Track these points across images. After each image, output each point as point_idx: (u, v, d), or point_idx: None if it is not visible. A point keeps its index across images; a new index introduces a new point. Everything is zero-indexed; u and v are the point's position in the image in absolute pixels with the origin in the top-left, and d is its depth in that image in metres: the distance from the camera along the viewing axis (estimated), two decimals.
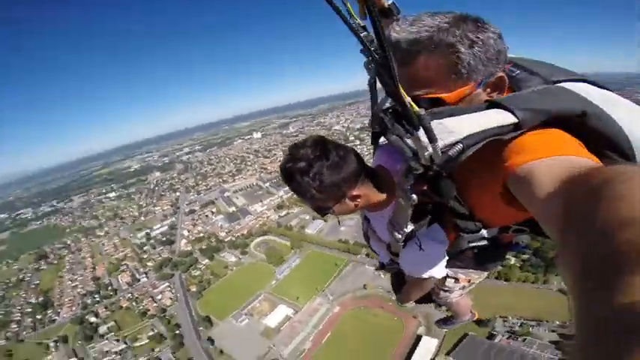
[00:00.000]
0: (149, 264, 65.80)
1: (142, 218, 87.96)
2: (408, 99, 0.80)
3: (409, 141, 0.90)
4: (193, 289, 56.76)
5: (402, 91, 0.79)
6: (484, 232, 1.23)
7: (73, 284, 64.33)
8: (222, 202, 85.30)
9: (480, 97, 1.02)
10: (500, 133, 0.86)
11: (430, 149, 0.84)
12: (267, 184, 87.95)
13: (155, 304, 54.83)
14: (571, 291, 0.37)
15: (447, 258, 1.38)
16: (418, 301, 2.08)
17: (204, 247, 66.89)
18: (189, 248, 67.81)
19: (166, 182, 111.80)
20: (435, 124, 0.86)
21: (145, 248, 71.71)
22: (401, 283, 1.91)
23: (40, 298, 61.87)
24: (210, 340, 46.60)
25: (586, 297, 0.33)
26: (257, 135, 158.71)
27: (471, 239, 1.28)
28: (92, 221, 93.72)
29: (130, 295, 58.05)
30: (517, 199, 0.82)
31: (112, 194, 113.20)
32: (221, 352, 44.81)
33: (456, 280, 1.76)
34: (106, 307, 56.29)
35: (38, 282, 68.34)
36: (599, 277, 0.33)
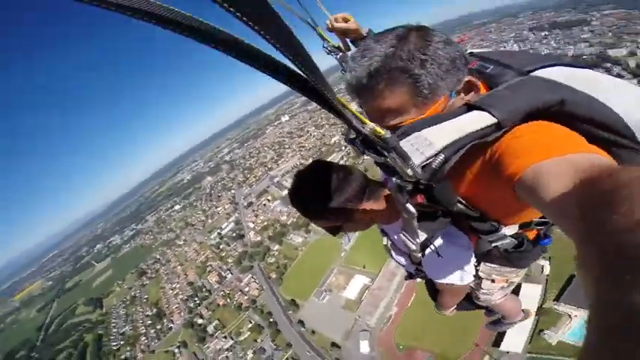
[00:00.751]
0: (229, 260, 71.52)
1: (209, 221, 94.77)
2: (368, 127, 0.76)
3: (387, 160, 0.86)
4: (273, 275, 60.57)
5: (359, 121, 0.75)
6: (504, 230, 1.18)
7: (174, 292, 72.68)
8: (275, 188, 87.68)
9: (456, 105, 0.98)
10: (483, 136, 0.83)
11: (410, 169, 0.82)
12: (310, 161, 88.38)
13: (246, 297, 59.81)
14: (588, 294, 0.37)
15: (472, 261, 1.36)
16: (460, 308, 2.01)
17: (271, 234, 70.37)
18: (258, 238, 71.93)
19: (219, 184, 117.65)
20: (412, 138, 0.85)
21: (221, 247, 77.82)
22: (435, 290, 1.85)
23: (154, 310, 71.05)
24: (301, 323, 49.69)
25: (602, 299, 0.33)
26: (285, 118, 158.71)
27: (492, 239, 1.23)
28: (169, 234, 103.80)
29: (222, 292, 64.02)
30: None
31: (177, 207, 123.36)
32: (312, 332, 47.70)
33: (492, 281, 1.68)
34: (207, 308, 62.83)
35: (147, 296, 78.47)
36: (616, 278, 0.33)
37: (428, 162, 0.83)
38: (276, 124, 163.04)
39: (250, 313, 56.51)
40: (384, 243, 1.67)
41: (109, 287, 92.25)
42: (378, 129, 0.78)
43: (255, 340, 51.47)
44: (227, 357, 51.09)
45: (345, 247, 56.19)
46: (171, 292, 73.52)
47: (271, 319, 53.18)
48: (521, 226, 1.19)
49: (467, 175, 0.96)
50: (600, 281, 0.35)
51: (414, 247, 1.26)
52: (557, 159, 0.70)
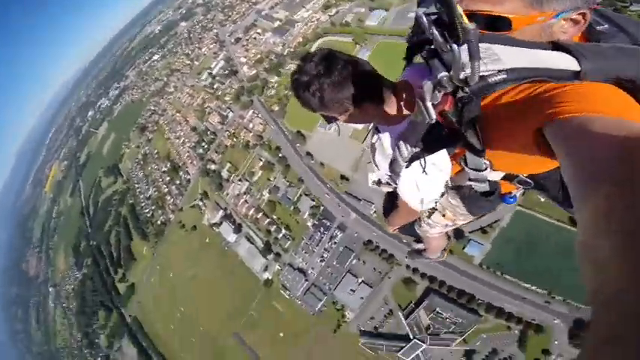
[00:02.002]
0: (227, 98, 68.52)
1: (196, 63, 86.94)
2: (460, 7, 0.72)
3: (447, 56, 0.80)
4: (275, 108, 58.53)
5: None
6: (490, 173, 1.16)
7: (181, 141, 72.70)
8: (263, 20, 75.83)
9: (552, 30, 0.89)
10: (555, 77, 0.78)
11: (468, 70, 0.77)
12: None
13: (251, 134, 59.55)
14: (592, 288, 0.36)
15: (442, 189, 1.37)
16: (402, 231, 2.10)
17: (267, 66, 64.73)
18: (253, 72, 66.79)
19: (197, 27, 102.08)
20: (483, 47, 0.78)
21: (215, 86, 73.52)
22: (392, 205, 1.86)
23: (168, 164, 72.16)
24: (309, 155, 50.34)
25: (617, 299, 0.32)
26: None
27: (473, 177, 1.23)
28: (157, 83, 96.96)
29: (227, 132, 63.64)
30: (551, 146, 0.73)
31: (156, 56, 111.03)
32: (321, 164, 48.72)
33: (443, 215, 1.72)
34: (216, 152, 63.64)
35: (157, 151, 78.83)
36: None
37: (486, 75, 0.79)
38: None
39: (259, 150, 57.45)
40: (372, 141, 1.59)
41: (119, 151, 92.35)
42: (465, 17, 0.74)
43: (269, 179, 53.85)
44: (246, 200, 54.83)
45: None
46: (177, 141, 73.69)
47: (280, 155, 54.14)
48: (505, 177, 1.18)
49: (499, 103, 0.88)
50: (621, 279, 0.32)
51: (406, 154, 1.22)
52: (610, 118, 0.65)
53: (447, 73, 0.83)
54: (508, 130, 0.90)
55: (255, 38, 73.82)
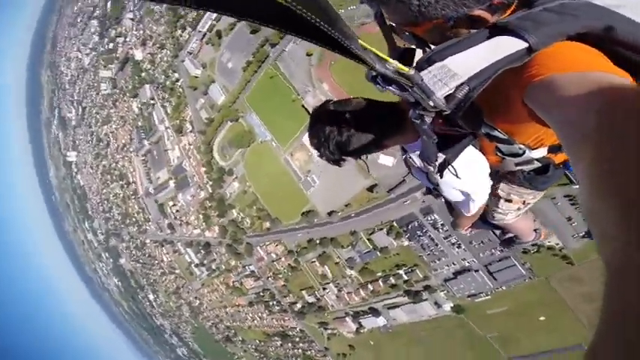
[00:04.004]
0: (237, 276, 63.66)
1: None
2: (392, 66, 0.79)
3: (412, 95, 0.86)
4: (267, 224, 54.22)
5: (381, 61, 0.77)
6: (531, 153, 1.18)
7: (258, 317, 68.68)
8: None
9: (458, 30, 0.95)
10: (511, 62, 0.80)
11: (431, 102, 0.83)
12: None
13: (283, 259, 55.13)
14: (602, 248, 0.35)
15: (486, 182, 1.42)
16: (475, 227, 2.07)
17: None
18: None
19: None
20: (436, 68, 0.83)
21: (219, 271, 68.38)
22: (452, 211, 1.89)
23: (276, 338, 68.09)
24: (330, 214, 46.15)
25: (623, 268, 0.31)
26: None
27: (518, 162, 1.26)
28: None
29: (268, 277, 59.21)
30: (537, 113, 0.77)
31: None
32: (346, 205, 44.66)
33: (509, 201, 1.73)
34: (285, 296, 59.37)
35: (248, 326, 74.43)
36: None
37: (452, 93, 0.82)
38: None
39: (305, 260, 52.67)
40: (403, 159, 1.68)
41: None
42: (401, 66, 0.80)
43: (337, 264, 49.50)
44: (347, 293, 50.68)
45: None
46: (254, 322, 69.35)
47: (318, 241, 49.99)
48: (550, 150, 1.18)
49: (493, 97, 0.92)
50: (626, 246, 0.32)
51: (432, 168, 1.32)
52: (577, 73, 0.69)
53: (419, 108, 0.89)
54: (513, 114, 0.94)
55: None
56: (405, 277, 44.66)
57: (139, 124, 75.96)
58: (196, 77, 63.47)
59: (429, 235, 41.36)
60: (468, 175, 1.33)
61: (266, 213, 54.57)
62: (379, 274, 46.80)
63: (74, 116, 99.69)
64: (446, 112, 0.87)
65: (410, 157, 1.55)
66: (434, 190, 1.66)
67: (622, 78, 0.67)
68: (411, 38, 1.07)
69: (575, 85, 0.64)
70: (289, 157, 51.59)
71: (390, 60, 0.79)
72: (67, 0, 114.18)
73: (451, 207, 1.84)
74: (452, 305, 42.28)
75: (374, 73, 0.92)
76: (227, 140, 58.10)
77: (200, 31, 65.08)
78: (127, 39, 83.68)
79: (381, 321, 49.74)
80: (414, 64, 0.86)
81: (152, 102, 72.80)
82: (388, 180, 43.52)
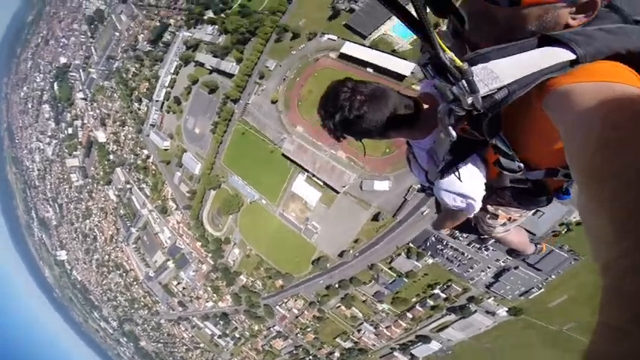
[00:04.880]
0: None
1: None
2: (448, 55, 0.81)
3: (453, 89, 0.88)
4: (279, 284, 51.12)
5: (441, 50, 0.79)
6: (527, 174, 1.21)
7: None
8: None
9: (558, 14, 0.92)
10: (555, 71, 0.80)
11: (471, 98, 0.84)
12: None
13: (311, 314, 52.36)
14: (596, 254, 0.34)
15: (482, 193, 1.41)
16: (461, 230, 2.10)
17: None
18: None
19: None
20: (479, 69, 0.84)
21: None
22: (439, 210, 1.92)
23: None
24: (357, 257, 43.47)
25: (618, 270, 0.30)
26: None
27: (513, 178, 1.29)
28: None
29: (299, 334, 56.18)
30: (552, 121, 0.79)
31: None
32: (355, 240, 42.20)
33: (496, 215, 1.78)
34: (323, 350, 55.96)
35: None
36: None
37: (490, 94, 0.83)
38: None
39: (328, 307, 49.85)
40: (405, 153, 1.74)
41: None
42: (456, 59, 0.83)
43: (365, 301, 46.88)
44: (386, 327, 48.04)
45: None
46: None
47: (338, 285, 46.94)
48: (547, 174, 1.18)
49: (515, 110, 0.93)
50: (621, 256, 0.31)
51: (438, 167, 1.36)
52: (598, 82, 0.70)
53: (455, 103, 0.89)
54: (529, 129, 0.97)
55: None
56: (443, 295, 41.59)
57: (121, 212, 72.57)
58: (166, 150, 60.70)
59: (451, 246, 39.03)
60: (469, 180, 1.32)
61: (275, 271, 51.73)
62: (414, 299, 43.96)
63: (53, 215, 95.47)
64: (477, 113, 0.87)
65: (412, 153, 1.61)
66: (427, 189, 1.67)
67: (637, 88, 0.66)
68: (455, 33, 1.07)
69: (592, 92, 0.66)
70: (283, 211, 49.09)
71: (448, 50, 0.81)
72: (11, 86, 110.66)
73: (439, 207, 1.81)
74: (507, 309, 39.27)
75: (426, 60, 0.92)
76: (215, 209, 55.33)
77: (157, 101, 62.59)
78: (85, 121, 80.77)
79: (434, 345, 45.67)
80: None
81: (128, 186, 69.56)
82: (390, 205, 41.78)
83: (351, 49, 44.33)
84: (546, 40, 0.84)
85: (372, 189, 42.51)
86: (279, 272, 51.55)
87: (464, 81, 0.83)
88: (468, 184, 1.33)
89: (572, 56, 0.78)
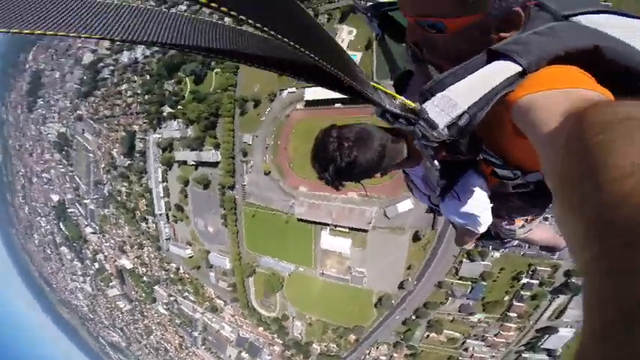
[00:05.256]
0: None
1: None
2: (398, 101, 0.83)
3: (414, 128, 0.89)
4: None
5: (390, 98, 0.81)
6: (525, 177, 1.20)
7: None
8: None
9: (488, 33, 0.94)
10: (507, 86, 0.82)
11: (435, 133, 0.84)
12: None
13: (339, 347, 50.06)
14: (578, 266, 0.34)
15: (487, 207, 1.42)
16: (484, 239, 2.07)
17: None
18: None
19: None
20: (439, 99, 0.85)
21: None
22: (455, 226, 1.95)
23: None
24: (383, 305, 41.87)
25: (596, 287, 0.30)
26: None
27: (514, 184, 1.28)
28: None
29: None
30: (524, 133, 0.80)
31: None
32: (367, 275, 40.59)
33: (512, 221, 1.77)
34: None
35: None
36: (611, 257, 0.30)
37: (454, 122, 0.83)
38: None
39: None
40: (405, 181, 1.76)
41: None
42: (407, 102, 0.83)
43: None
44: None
45: None
46: None
47: (362, 335, 44.71)
48: None
49: (489, 123, 0.92)
50: (593, 259, 0.32)
51: (434, 193, 1.39)
52: (555, 90, 0.71)
53: (423, 139, 0.89)
54: (508, 138, 0.97)
55: None
56: (535, 282, 37.74)
57: (177, 321, 73.79)
58: (191, 257, 60.90)
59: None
60: (469, 200, 1.34)
61: (343, 329, 50.86)
62: (506, 298, 40.81)
63: (119, 338, 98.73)
64: (449, 141, 0.88)
65: (411, 181, 1.65)
66: (435, 210, 1.70)
67: (600, 94, 0.68)
68: (414, 57, 1.09)
69: (546, 104, 0.68)
70: (323, 270, 48.09)
71: (397, 96, 0.82)
72: (22, 236, 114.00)
73: (454, 224, 1.83)
74: None
75: (380, 112, 0.95)
76: (261, 294, 55.06)
77: (161, 214, 62.80)
78: (105, 253, 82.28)
79: (565, 332, 39.97)
80: (419, 94, 0.87)
81: (172, 299, 70.55)
82: (423, 220, 39.88)
83: (313, 93, 42.99)
84: (493, 53, 0.86)
85: (398, 212, 40.73)
86: (347, 328, 50.60)
87: (421, 121, 0.83)
88: (469, 203, 1.33)
89: (519, 68, 0.80)
